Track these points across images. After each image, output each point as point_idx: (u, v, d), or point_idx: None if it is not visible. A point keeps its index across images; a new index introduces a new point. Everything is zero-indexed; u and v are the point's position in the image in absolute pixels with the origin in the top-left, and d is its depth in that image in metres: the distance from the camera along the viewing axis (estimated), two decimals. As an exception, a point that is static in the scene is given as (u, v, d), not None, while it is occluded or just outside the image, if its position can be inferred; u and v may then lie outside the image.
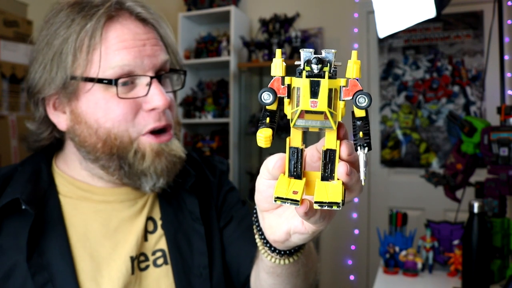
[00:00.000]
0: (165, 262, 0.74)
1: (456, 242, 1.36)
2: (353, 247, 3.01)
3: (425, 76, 2.92)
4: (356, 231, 2.99)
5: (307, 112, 0.38)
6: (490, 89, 2.63)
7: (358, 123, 0.39)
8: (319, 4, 3.12)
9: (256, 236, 0.54)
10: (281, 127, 2.92)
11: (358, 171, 0.40)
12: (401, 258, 1.39)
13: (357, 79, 0.38)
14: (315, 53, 0.39)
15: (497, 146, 1.26)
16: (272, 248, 0.52)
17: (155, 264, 0.73)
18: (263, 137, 0.38)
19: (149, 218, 0.76)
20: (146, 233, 0.74)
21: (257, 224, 0.53)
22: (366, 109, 0.39)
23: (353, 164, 0.41)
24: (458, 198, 1.48)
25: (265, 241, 0.52)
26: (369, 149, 0.39)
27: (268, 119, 0.40)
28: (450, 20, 2.86)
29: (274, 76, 0.40)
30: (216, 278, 0.76)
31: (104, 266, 0.69)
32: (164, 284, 0.72)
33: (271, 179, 0.43)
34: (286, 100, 0.39)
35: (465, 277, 1.17)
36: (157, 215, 0.77)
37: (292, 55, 2.92)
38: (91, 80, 0.67)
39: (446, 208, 2.58)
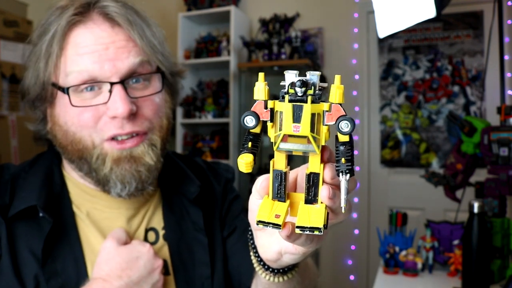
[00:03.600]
0: (167, 273, 0.73)
1: (456, 242, 1.36)
2: (353, 247, 3.01)
3: (425, 76, 2.92)
4: (356, 231, 2.99)
5: (290, 136, 0.38)
6: (490, 89, 2.63)
7: (341, 148, 0.38)
8: (319, 4, 3.12)
9: (251, 254, 0.54)
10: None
11: (336, 203, 0.40)
12: (401, 258, 1.39)
13: (340, 104, 0.38)
14: (300, 74, 0.39)
15: (497, 146, 1.26)
16: (266, 266, 0.53)
17: None
18: (244, 163, 0.39)
19: (151, 229, 0.76)
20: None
21: (251, 241, 0.54)
22: (349, 134, 0.38)
23: (337, 187, 0.40)
24: (458, 198, 1.48)
25: (259, 258, 0.53)
26: (351, 175, 0.38)
27: (250, 144, 0.40)
28: (450, 20, 2.86)
29: (257, 100, 0.40)
30: None
31: None
32: None
33: (260, 199, 0.43)
34: (269, 124, 0.40)
35: (465, 277, 1.17)
36: (159, 224, 0.77)
37: (292, 55, 2.92)
38: (54, 86, 0.68)
39: (446, 208, 2.58)
